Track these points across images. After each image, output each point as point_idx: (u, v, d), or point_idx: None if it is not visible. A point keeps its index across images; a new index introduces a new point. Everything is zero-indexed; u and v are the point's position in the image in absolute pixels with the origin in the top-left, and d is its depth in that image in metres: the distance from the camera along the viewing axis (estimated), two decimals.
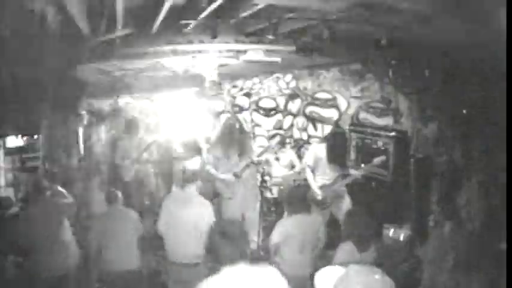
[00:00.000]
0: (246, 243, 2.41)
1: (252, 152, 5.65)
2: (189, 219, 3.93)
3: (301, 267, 3.88)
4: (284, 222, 4.10)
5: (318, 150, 5.33)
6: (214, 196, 6.00)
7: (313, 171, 5.28)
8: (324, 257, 4.62)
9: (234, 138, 5.46)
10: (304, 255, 3.90)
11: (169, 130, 7.31)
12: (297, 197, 4.07)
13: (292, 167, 6.23)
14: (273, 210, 6.31)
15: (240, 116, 7.55)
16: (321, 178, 5.22)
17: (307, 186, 5.27)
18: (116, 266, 4.03)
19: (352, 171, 5.14)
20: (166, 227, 4.03)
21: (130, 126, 6.56)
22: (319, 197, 5.06)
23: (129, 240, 4.13)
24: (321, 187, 5.13)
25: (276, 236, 3.96)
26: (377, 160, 4.97)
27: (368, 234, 3.48)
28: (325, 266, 3.62)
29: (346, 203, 5.16)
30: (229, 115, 7.54)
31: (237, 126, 5.71)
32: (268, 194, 6.18)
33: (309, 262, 3.94)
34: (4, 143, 5.31)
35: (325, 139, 5.72)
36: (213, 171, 5.39)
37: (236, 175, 5.34)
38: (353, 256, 3.56)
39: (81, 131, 6.46)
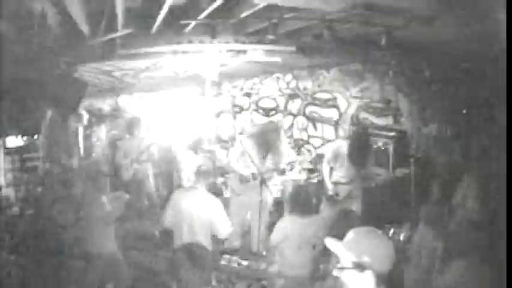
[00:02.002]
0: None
1: (280, 159, 5.60)
2: (199, 215, 3.96)
3: (301, 266, 3.89)
4: (284, 221, 4.11)
5: (339, 147, 5.24)
6: (217, 195, 6.02)
7: (331, 166, 5.21)
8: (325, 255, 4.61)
9: (268, 142, 5.44)
10: (304, 254, 3.90)
11: (170, 130, 7.31)
12: (302, 197, 4.09)
13: (292, 167, 6.24)
14: (273, 210, 6.32)
15: (239, 115, 7.56)
16: (337, 175, 5.18)
17: (313, 186, 5.27)
18: None
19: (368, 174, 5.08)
20: (174, 221, 4.04)
21: (132, 125, 6.52)
22: (330, 192, 5.03)
23: None
24: (335, 183, 5.09)
25: (275, 235, 3.97)
26: (399, 171, 4.94)
27: None
28: (326, 265, 3.61)
29: (357, 206, 5.10)
30: (275, 119, 7.22)
31: (278, 133, 5.70)
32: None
33: (309, 262, 3.94)
34: (4, 143, 5.30)
35: (349, 137, 5.60)
36: (236, 166, 5.41)
37: (254, 175, 5.31)
38: None
39: (81, 131, 6.45)
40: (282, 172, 5.66)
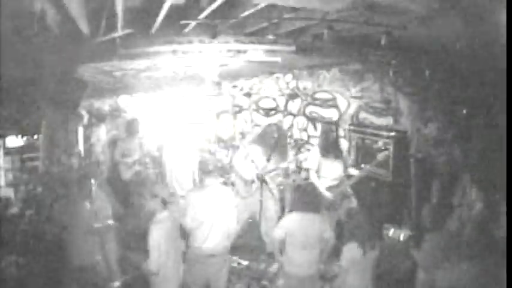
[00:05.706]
0: None
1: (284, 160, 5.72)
2: (216, 212, 3.94)
3: (305, 266, 3.89)
4: (286, 218, 4.12)
5: (318, 153, 5.36)
6: None
7: (317, 174, 5.26)
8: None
9: (272, 144, 5.54)
10: (308, 253, 3.90)
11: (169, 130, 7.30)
12: (306, 195, 4.10)
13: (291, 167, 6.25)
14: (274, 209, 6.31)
15: (239, 115, 7.56)
16: (325, 180, 5.21)
17: (312, 185, 5.29)
18: None
19: (354, 171, 5.14)
20: (194, 222, 3.95)
21: (131, 126, 6.55)
22: (330, 198, 5.05)
23: None
24: (329, 188, 5.12)
25: (278, 232, 3.98)
26: (381, 155, 4.96)
27: (371, 234, 3.50)
28: (329, 265, 3.57)
29: (353, 205, 5.14)
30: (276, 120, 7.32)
31: (280, 134, 5.81)
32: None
33: (314, 261, 3.95)
34: (4, 143, 5.30)
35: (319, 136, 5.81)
36: (240, 169, 5.48)
37: (259, 177, 5.36)
38: (358, 255, 3.58)
39: (81, 131, 6.44)
40: (286, 172, 5.71)
